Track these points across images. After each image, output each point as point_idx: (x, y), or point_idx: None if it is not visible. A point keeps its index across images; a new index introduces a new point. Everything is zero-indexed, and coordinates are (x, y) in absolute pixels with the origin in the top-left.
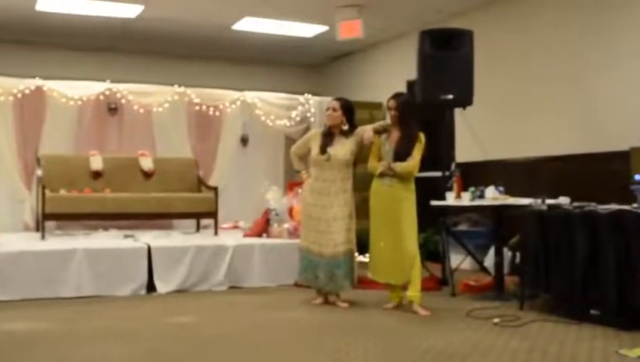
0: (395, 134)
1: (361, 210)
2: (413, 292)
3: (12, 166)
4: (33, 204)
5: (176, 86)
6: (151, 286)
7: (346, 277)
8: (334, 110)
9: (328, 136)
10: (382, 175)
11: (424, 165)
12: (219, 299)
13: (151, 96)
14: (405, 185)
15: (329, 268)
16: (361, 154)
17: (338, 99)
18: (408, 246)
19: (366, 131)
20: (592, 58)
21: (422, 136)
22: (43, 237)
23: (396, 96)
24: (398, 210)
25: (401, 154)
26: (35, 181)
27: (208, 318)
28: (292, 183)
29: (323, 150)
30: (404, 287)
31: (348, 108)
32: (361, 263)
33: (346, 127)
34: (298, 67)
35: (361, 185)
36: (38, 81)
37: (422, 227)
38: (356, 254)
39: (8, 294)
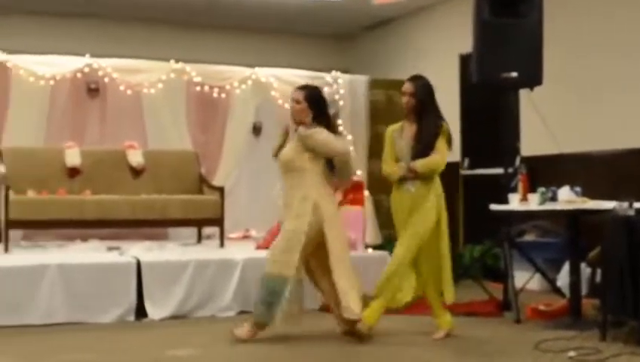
0: (411, 127)
1: None
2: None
3: None
4: None
5: (172, 61)
6: (141, 311)
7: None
8: (297, 102)
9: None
10: (402, 179)
11: (482, 160)
12: (225, 327)
13: (141, 74)
14: (430, 186)
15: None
16: None
17: (302, 88)
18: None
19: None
20: None
21: (446, 127)
22: (6, 249)
23: (413, 78)
24: (426, 221)
25: (423, 151)
26: None
27: (212, 352)
28: None
29: (277, 151)
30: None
31: (314, 99)
32: None
33: (309, 121)
34: (324, 38)
35: None
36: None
37: (479, 237)
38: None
39: None
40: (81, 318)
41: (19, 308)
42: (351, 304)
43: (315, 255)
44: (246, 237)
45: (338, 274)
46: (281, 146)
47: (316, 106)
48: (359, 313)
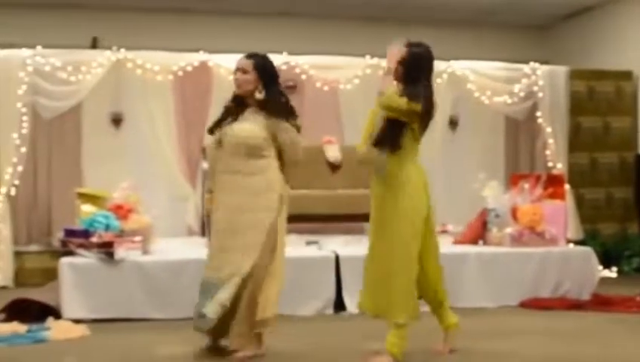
0: None
1: None
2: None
3: (173, 158)
4: (198, 203)
5: (367, 57)
6: (339, 305)
7: None
8: (244, 72)
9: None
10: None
11: None
12: (423, 321)
13: (337, 71)
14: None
15: None
16: None
17: (249, 57)
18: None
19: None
20: None
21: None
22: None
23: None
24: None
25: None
26: (200, 176)
27: (412, 346)
28: (516, 176)
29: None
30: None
31: (264, 68)
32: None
33: (261, 95)
34: (522, 29)
35: None
36: (202, 56)
37: None
38: None
39: (167, 312)
40: (282, 310)
41: None
42: None
43: None
44: (443, 231)
45: None
46: (219, 121)
47: (267, 76)
48: None
